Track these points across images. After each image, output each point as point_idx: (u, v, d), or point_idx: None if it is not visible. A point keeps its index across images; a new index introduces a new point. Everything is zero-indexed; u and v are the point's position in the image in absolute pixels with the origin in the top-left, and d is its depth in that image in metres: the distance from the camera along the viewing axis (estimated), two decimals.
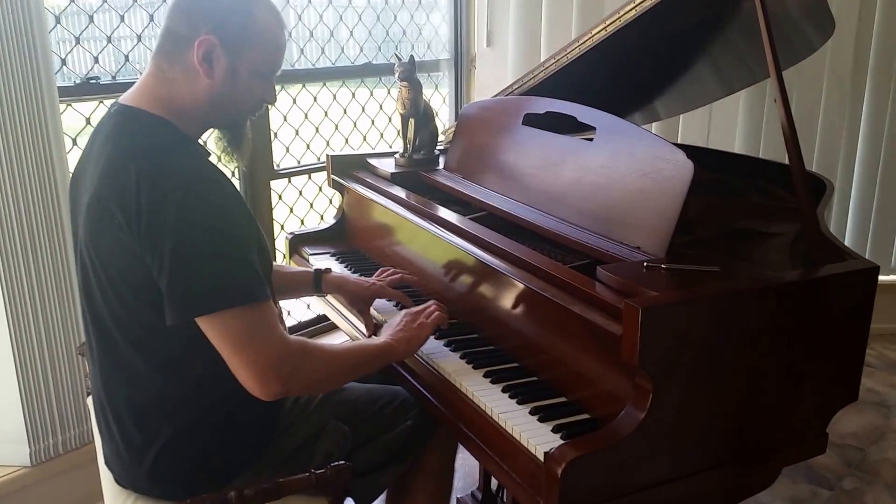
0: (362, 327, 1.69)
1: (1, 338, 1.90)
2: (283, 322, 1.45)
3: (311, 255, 2.05)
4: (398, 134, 2.15)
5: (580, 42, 1.81)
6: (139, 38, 2.22)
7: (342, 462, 1.32)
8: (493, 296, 1.50)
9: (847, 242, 3.18)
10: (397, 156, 2.11)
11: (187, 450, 1.28)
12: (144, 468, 1.28)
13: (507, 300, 1.46)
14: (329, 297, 1.83)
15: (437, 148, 2.15)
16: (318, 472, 1.29)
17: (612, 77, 1.96)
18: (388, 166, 2.07)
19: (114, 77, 2.20)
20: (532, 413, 1.25)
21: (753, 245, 1.56)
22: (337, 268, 1.96)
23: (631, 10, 1.68)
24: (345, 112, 2.92)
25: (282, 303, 2.70)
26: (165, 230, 1.13)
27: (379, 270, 1.74)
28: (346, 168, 2.15)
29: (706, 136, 3.10)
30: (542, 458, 1.13)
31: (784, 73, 1.44)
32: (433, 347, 1.49)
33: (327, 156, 2.17)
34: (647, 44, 1.85)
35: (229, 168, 1.53)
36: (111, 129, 1.26)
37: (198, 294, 1.15)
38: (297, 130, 2.75)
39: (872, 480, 2.40)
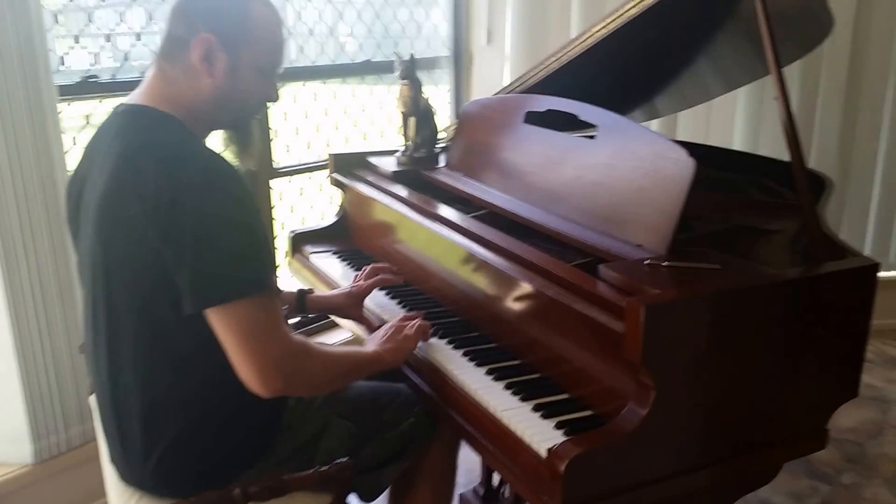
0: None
1: (3, 336, 1.89)
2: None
3: (313, 253, 2.05)
4: (398, 132, 2.15)
5: (582, 39, 1.82)
6: (138, 36, 2.22)
7: (346, 459, 1.33)
8: (494, 293, 1.51)
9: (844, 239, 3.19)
10: (398, 154, 2.11)
11: (192, 448, 1.28)
12: (149, 466, 1.28)
13: (509, 298, 1.46)
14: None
15: (438, 146, 2.15)
16: (322, 469, 1.30)
17: (613, 74, 1.96)
18: (388, 165, 2.07)
19: (113, 75, 2.20)
20: (535, 410, 1.26)
21: (754, 242, 1.57)
22: (339, 266, 1.97)
23: (633, 6, 1.69)
24: (345, 110, 2.92)
25: None
26: (186, 219, 1.14)
27: (362, 270, 1.74)
28: (346, 166, 2.15)
29: (706, 133, 3.11)
30: (544, 454, 1.14)
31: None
32: (435, 344, 1.49)
33: (328, 154, 2.17)
34: (647, 41, 1.85)
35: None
36: (119, 128, 1.26)
37: (217, 283, 1.16)
38: (297, 129, 2.75)
39: (871, 475, 2.41)
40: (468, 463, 2.26)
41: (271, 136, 2.61)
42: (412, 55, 2.01)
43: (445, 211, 1.73)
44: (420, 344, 1.49)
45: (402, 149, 2.11)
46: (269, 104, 1.41)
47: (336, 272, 1.93)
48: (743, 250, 1.46)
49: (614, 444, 1.12)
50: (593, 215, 1.51)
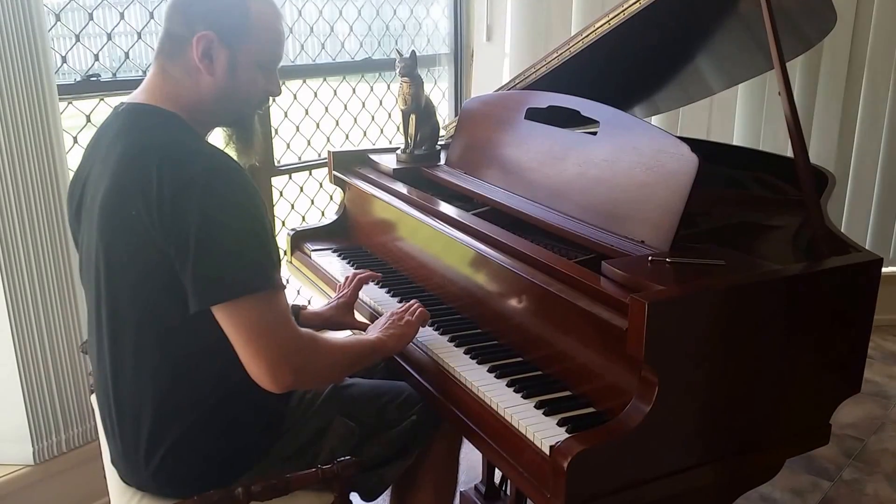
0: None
1: (3, 336, 1.89)
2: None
3: (314, 250, 2.05)
4: (398, 129, 2.15)
5: (583, 35, 1.81)
6: (139, 34, 2.21)
7: (348, 457, 1.32)
8: (497, 291, 1.50)
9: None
10: (399, 152, 2.11)
11: (195, 448, 1.28)
12: (151, 466, 1.28)
13: (512, 295, 1.46)
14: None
15: (439, 143, 2.15)
16: (325, 467, 1.30)
17: (614, 71, 1.95)
18: (389, 162, 2.07)
19: (114, 74, 2.20)
20: (537, 407, 1.25)
21: (756, 238, 1.57)
22: (339, 264, 1.96)
23: (634, 3, 1.68)
24: (345, 108, 2.91)
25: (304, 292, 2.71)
26: (190, 216, 1.14)
27: (344, 280, 1.73)
28: (347, 164, 2.15)
29: (706, 129, 3.10)
30: (547, 451, 1.14)
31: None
32: (437, 342, 1.49)
33: (329, 152, 2.17)
34: (649, 37, 1.84)
35: None
36: (121, 127, 1.26)
37: (223, 279, 1.15)
38: (297, 126, 2.75)
39: (872, 471, 2.41)
40: (469, 461, 2.25)
41: (272, 134, 2.61)
42: (413, 52, 2.01)
43: (447, 208, 1.72)
44: (421, 342, 1.49)
45: (403, 146, 2.11)
46: (270, 98, 1.40)
47: (336, 270, 1.92)
48: (746, 246, 1.46)
49: (617, 440, 1.11)
50: (595, 211, 1.50)
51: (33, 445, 1.98)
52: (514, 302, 1.45)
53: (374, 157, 2.13)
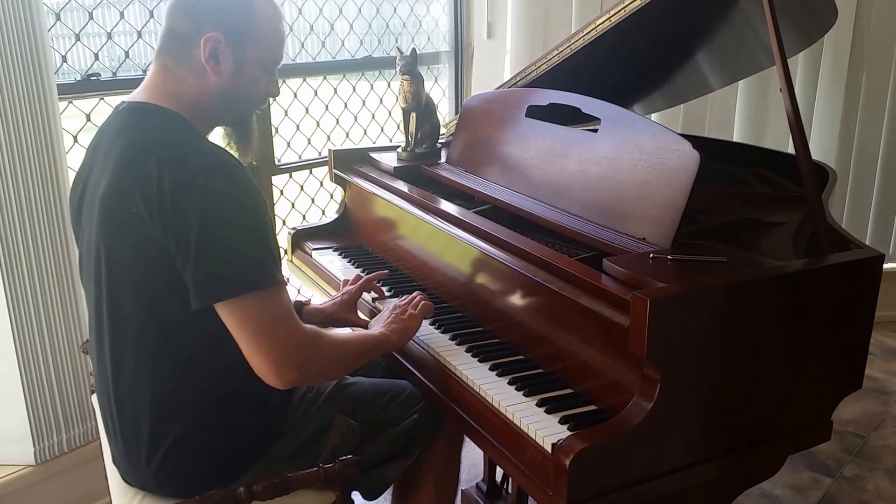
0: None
1: (4, 336, 1.89)
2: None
3: (314, 249, 2.05)
4: (399, 128, 2.14)
5: (584, 32, 1.80)
6: (139, 34, 2.21)
7: (350, 456, 1.32)
8: (498, 289, 1.50)
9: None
10: (399, 150, 2.11)
11: (196, 447, 1.28)
12: (153, 466, 1.28)
13: (513, 293, 1.46)
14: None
15: (439, 141, 2.15)
16: (326, 466, 1.30)
17: (615, 68, 1.95)
18: (390, 160, 2.06)
19: (114, 74, 2.19)
20: (539, 405, 1.25)
21: (757, 234, 1.57)
22: (340, 263, 1.96)
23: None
24: (346, 106, 2.91)
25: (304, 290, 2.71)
26: (191, 214, 1.13)
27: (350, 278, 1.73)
28: (348, 162, 2.15)
29: (705, 125, 3.10)
30: (549, 449, 1.13)
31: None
32: (439, 341, 1.49)
33: (329, 150, 2.17)
34: (650, 34, 1.84)
35: None
36: (121, 125, 1.26)
37: (224, 277, 1.15)
38: (297, 125, 2.75)
39: (873, 467, 2.41)
40: (471, 459, 2.26)
41: (272, 133, 2.61)
42: (413, 49, 2.00)
43: (447, 206, 1.72)
44: (423, 340, 1.49)
45: (404, 144, 2.10)
46: (270, 99, 1.40)
47: (337, 269, 1.92)
48: (747, 243, 1.46)
49: (620, 438, 1.11)
50: (597, 209, 1.50)
51: (34, 445, 1.98)
52: (515, 300, 1.45)
53: (374, 155, 2.13)
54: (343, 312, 1.65)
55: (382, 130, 3.08)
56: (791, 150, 1.49)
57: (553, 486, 1.11)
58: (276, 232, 2.66)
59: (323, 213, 2.88)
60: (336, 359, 1.31)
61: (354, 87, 2.93)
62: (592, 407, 1.25)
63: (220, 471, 1.30)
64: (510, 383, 1.32)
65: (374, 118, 3.03)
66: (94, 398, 1.45)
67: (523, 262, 1.42)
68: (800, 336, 1.29)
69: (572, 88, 1.69)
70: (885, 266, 3.28)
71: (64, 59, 2.08)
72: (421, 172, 2.00)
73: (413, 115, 2.07)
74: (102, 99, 2.15)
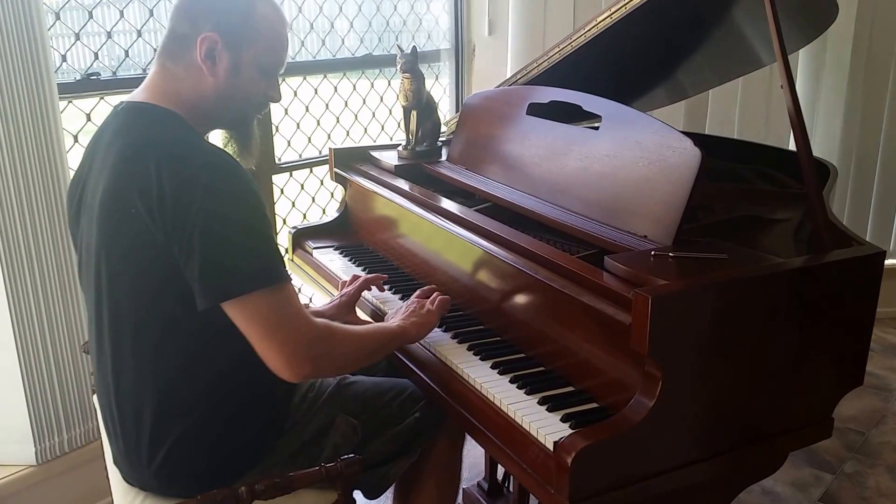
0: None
1: (5, 336, 1.89)
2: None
3: (315, 248, 2.04)
4: (399, 126, 2.14)
5: (585, 29, 1.80)
6: (139, 33, 2.21)
7: (351, 455, 1.32)
8: (499, 287, 1.50)
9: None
10: (400, 148, 2.10)
11: (197, 447, 1.28)
12: (154, 466, 1.28)
13: (514, 291, 1.45)
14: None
15: (440, 139, 2.15)
16: (328, 465, 1.29)
17: (616, 66, 1.95)
18: (391, 159, 2.06)
19: (114, 73, 2.19)
20: (541, 403, 1.25)
21: (759, 231, 1.56)
22: (341, 262, 1.96)
23: None
24: (346, 104, 2.91)
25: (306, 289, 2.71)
26: (193, 214, 1.13)
27: (348, 280, 1.73)
28: (348, 161, 2.14)
29: (706, 122, 3.10)
30: (551, 447, 1.13)
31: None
32: (440, 339, 1.49)
33: (330, 149, 2.17)
34: (650, 31, 1.84)
35: None
36: (120, 125, 1.26)
37: (229, 276, 1.15)
38: (298, 124, 2.75)
39: (874, 464, 2.41)
40: (472, 457, 2.26)
41: (273, 132, 2.61)
42: (414, 47, 2.00)
43: (448, 204, 1.72)
44: (424, 339, 1.48)
45: (404, 142, 2.10)
46: (270, 104, 1.40)
47: (338, 268, 1.92)
48: (749, 240, 1.46)
49: (621, 435, 1.11)
50: (598, 206, 1.50)
51: (35, 446, 1.98)
52: (516, 298, 1.45)
53: (375, 153, 2.13)
54: (342, 314, 1.65)
55: (383, 129, 3.08)
56: (792, 146, 1.49)
57: (555, 484, 1.11)
58: (277, 231, 2.67)
59: (323, 212, 2.88)
60: (349, 351, 1.31)
61: (355, 86, 2.93)
62: (594, 405, 1.24)
63: (221, 470, 1.30)
64: (512, 381, 1.32)
65: (375, 116, 3.03)
66: (95, 398, 1.44)
67: (524, 259, 1.42)
68: (801, 333, 1.29)
69: (573, 86, 1.69)
70: (887, 263, 3.30)
71: (64, 58, 2.08)
72: (422, 171, 2.00)
73: (414, 113, 2.06)
74: (102, 98, 2.15)
